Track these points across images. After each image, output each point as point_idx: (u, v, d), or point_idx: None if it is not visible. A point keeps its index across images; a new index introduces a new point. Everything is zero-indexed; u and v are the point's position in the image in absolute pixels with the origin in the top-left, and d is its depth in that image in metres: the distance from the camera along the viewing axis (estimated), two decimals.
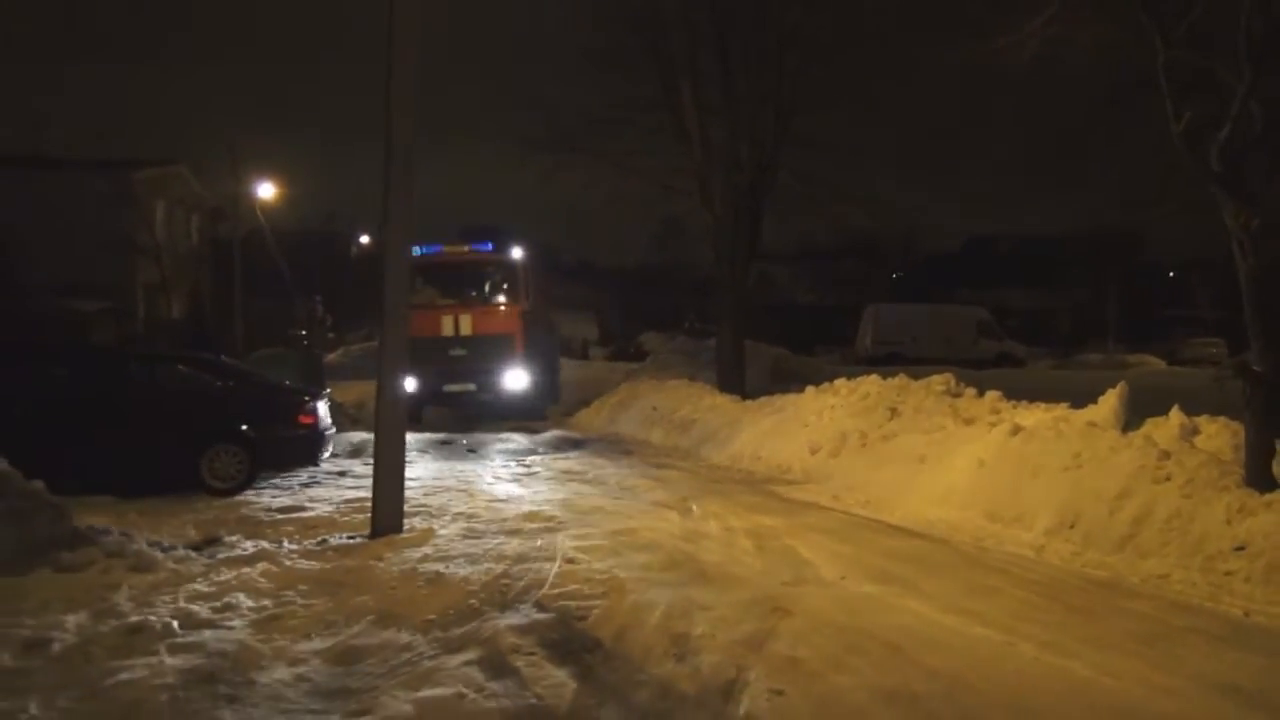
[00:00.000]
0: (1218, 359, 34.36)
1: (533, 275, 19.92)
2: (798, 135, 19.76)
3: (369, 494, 8.90)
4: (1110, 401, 9.92)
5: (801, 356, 30.61)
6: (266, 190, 31.91)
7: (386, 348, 8.87)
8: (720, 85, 19.63)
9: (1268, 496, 7.27)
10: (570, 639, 5.65)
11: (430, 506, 9.88)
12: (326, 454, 12.06)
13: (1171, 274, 56.95)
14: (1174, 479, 7.99)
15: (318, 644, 5.60)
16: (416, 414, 17.54)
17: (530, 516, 9.35)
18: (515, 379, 18.87)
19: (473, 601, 6.40)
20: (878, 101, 19.76)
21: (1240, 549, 7.10)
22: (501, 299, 19.43)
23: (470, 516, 9.48)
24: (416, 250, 16.96)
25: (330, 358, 31.26)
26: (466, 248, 20.10)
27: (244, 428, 10.96)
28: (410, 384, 15.42)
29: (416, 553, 7.78)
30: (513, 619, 6.00)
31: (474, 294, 19.59)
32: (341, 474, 12.34)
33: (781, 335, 35.12)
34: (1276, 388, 7.66)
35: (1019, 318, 51.14)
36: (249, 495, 10.60)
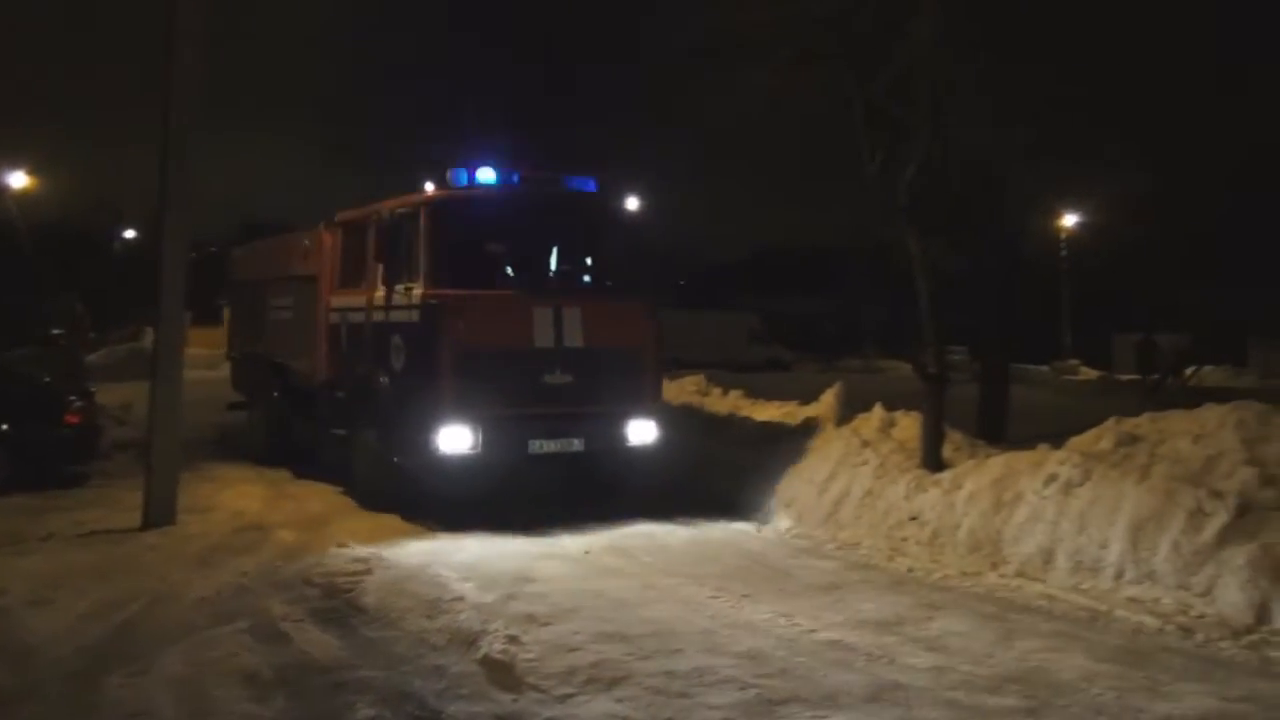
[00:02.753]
0: (959, 364, 38.15)
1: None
2: (590, 152, 20.84)
3: (140, 490, 9.15)
4: (829, 399, 11.42)
5: None
6: (18, 180, 30.16)
7: (161, 347, 9.17)
8: (507, 100, 20.44)
9: (936, 476, 8.79)
10: (336, 607, 6.36)
11: (207, 503, 10.17)
12: (94, 453, 12.03)
13: None
14: (869, 463, 9.46)
15: (96, 622, 6.04)
16: (457, 486, 9.28)
17: (304, 512, 9.82)
18: (642, 430, 9.89)
19: (245, 582, 6.97)
20: (668, 120, 20.99)
21: (914, 519, 8.59)
22: (623, 284, 10.35)
23: (244, 512, 9.87)
24: (463, 178, 9.61)
25: (91, 358, 29.86)
26: (557, 182, 10.22)
27: (4, 427, 10.86)
28: (460, 439, 8.91)
29: (190, 542, 8.21)
30: (282, 594, 6.64)
31: (577, 273, 10.71)
32: (109, 474, 12.29)
33: None
34: (944, 386, 9.25)
35: (794, 324, 54.40)
36: (14, 495, 10.50)
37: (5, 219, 31.91)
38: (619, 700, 4.79)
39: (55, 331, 31.92)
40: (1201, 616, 6.28)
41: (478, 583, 6.89)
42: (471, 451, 9.04)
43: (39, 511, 9.56)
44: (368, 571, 7.16)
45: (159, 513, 8.84)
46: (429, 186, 9.73)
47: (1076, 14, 10.88)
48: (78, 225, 46.34)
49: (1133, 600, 6.72)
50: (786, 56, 9.51)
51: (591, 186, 10.18)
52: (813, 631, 5.92)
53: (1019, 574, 7.54)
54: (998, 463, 8.64)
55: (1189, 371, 21.30)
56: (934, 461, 9.01)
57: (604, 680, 5.03)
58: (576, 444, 9.57)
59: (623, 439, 9.81)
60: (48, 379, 13.62)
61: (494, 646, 5.41)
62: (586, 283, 10.53)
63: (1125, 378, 29.73)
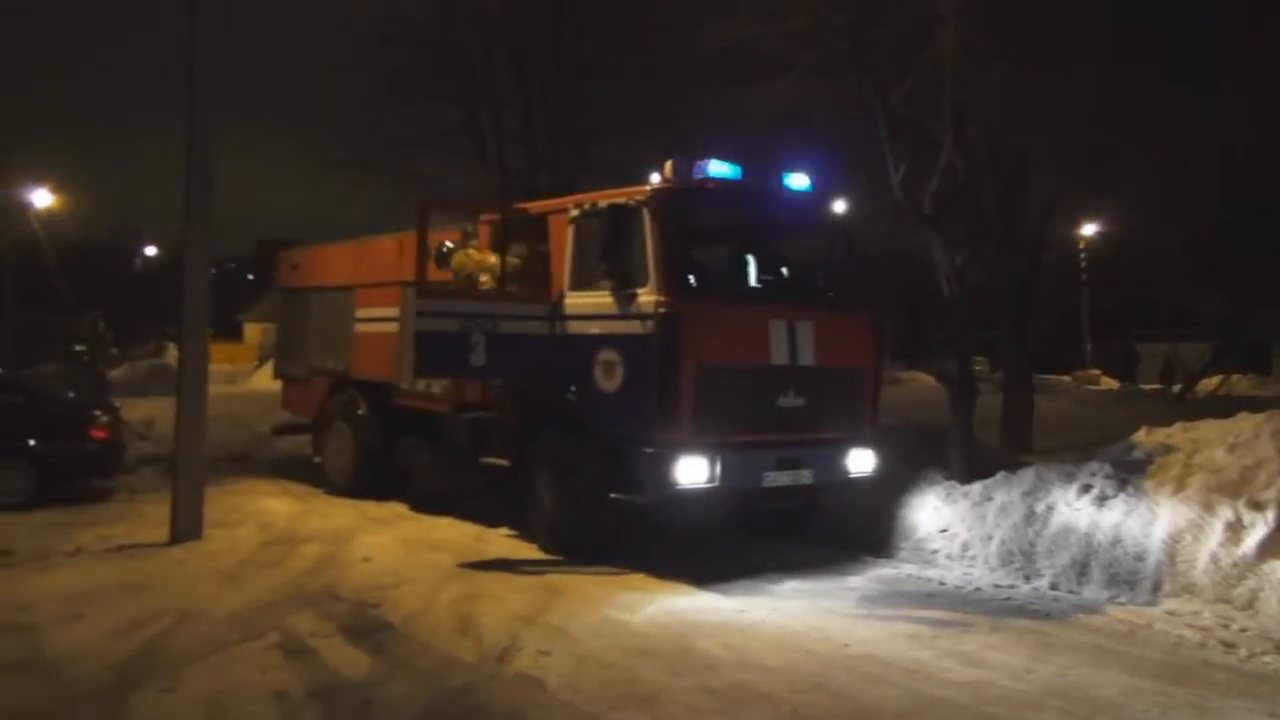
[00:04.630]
0: (979, 375, 38.00)
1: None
2: (594, 162, 20.78)
3: (165, 504, 9.15)
4: None
5: None
6: (43, 198, 30.38)
7: (187, 362, 9.17)
8: (519, 112, 20.45)
9: (965, 488, 8.68)
10: (364, 623, 6.31)
11: (233, 517, 10.14)
12: (119, 468, 12.08)
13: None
14: (899, 475, 9.36)
15: (124, 638, 6.01)
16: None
17: (330, 527, 9.78)
18: (862, 460, 8.87)
19: (273, 597, 6.94)
20: (670, 134, 20.87)
21: (944, 531, 8.49)
22: (846, 295, 9.14)
23: (270, 527, 9.85)
24: (689, 171, 8.31)
25: (114, 374, 30.08)
26: (778, 178, 8.92)
27: (32, 443, 10.91)
28: (698, 471, 7.85)
29: (217, 557, 8.19)
30: (310, 609, 6.60)
31: (804, 284, 9.31)
32: (134, 488, 12.32)
33: None
34: (974, 395, 9.15)
35: None
36: (41, 510, 10.54)
37: (29, 237, 32.19)
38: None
39: (78, 348, 32.24)
40: (1244, 630, 6.18)
41: (509, 594, 6.84)
42: (708, 485, 7.92)
43: (66, 526, 9.58)
44: (395, 586, 7.12)
45: (185, 527, 8.83)
46: (654, 178, 8.44)
47: (1092, 22, 10.82)
48: (100, 243, 46.86)
49: (1171, 614, 6.62)
50: (806, 68, 9.48)
51: (808, 185, 8.90)
52: (846, 646, 5.85)
53: (1053, 586, 7.45)
54: (1028, 474, 8.53)
55: (1217, 380, 21.10)
56: (960, 472, 8.91)
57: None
58: (806, 476, 8.52)
59: (845, 470, 8.77)
60: (72, 395, 13.72)
61: (525, 661, 5.36)
62: (814, 292, 9.12)
63: (1148, 387, 29.49)
